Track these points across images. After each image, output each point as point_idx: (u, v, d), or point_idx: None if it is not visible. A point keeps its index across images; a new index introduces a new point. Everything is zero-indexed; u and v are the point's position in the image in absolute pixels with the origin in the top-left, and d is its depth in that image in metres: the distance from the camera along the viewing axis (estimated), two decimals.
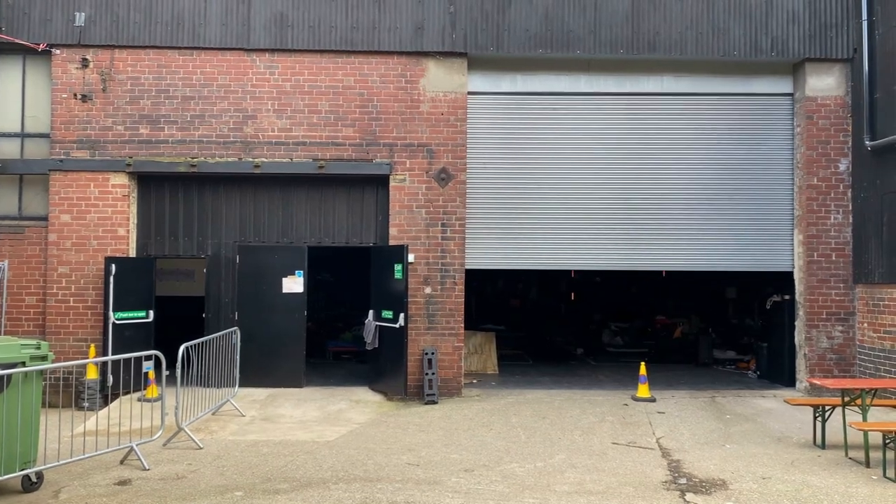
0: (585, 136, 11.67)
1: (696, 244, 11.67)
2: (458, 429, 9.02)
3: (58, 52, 11.04)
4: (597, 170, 11.65)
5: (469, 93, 11.44)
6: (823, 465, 7.44)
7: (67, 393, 10.25)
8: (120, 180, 11.06)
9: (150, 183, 11.41)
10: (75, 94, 11.02)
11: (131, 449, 7.40)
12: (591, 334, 18.01)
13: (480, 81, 11.57)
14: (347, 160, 11.23)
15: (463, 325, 11.25)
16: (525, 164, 11.62)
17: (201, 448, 7.99)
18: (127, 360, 9.03)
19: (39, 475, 6.60)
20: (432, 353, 10.84)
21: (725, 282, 16.50)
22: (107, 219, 11.01)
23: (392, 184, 11.23)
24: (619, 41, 11.34)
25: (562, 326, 18.73)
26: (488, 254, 11.55)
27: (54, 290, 10.88)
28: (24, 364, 6.48)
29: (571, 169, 11.63)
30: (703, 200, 11.69)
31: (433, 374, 10.73)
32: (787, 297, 11.87)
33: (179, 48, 11.18)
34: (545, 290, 20.43)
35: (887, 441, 7.13)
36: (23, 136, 11.32)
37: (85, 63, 11.05)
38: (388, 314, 11.08)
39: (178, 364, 7.95)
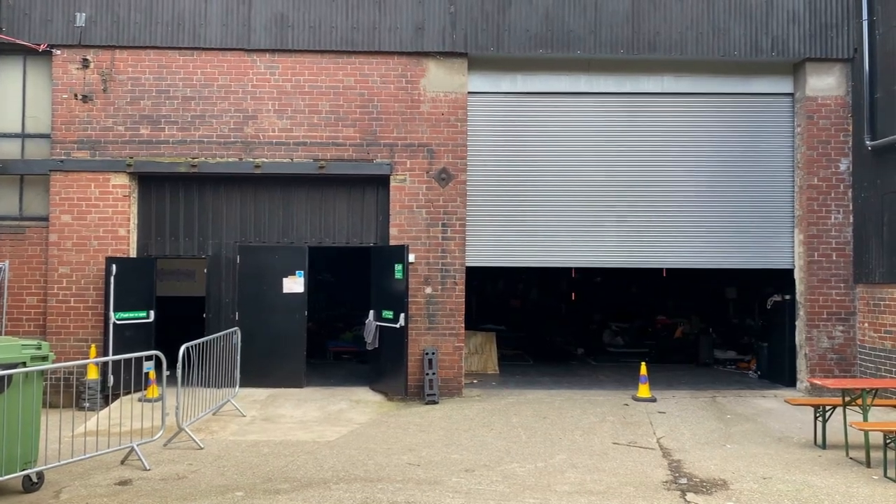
0: (586, 137, 11.67)
1: (697, 243, 11.68)
2: (459, 429, 9.02)
3: (58, 52, 11.05)
4: (597, 169, 11.65)
5: (469, 93, 11.44)
6: (824, 465, 7.44)
7: (68, 393, 10.26)
8: (120, 180, 11.07)
9: (151, 183, 11.41)
10: (76, 95, 11.02)
11: (132, 449, 7.41)
12: (591, 334, 18.00)
13: (481, 81, 11.57)
14: (348, 160, 11.23)
15: (463, 325, 11.25)
16: (525, 163, 11.62)
17: (202, 448, 7.99)
18: (128, 361, 9.03)
19: (40, 475, 6.60)
20: (433, 354, 10.84)
21: (726, 282, 16.49)
22: (107, 219, 11.01)
23: (392, 184, 11.23)
24: (620, 41, 11.34)
25: (562, 326, 18.72)
26: (489, 253, 11.55)
27: (55, 291, 10.89)
28: (24, 364, 6.48)
29: (572, 169, 11.64)
30: (704, 200, 11.69)
31: (434, 374, 10.73)
32: (787, 296, 11.87)
33: (180, 48, 11.18)
34: (546, 291, 20.41)
35: (888, 441, 7.13)
36: (23, 136, 11.33)
37: (85, 63, 11.06)
38: (388, 314, 11.08)
39: (179, 364, 7.95)
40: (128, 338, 10.60)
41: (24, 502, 6.27)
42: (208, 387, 9.11)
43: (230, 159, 11.17)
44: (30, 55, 11.17)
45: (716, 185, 11.71)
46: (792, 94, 11.82)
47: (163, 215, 11.44)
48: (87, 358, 10.53)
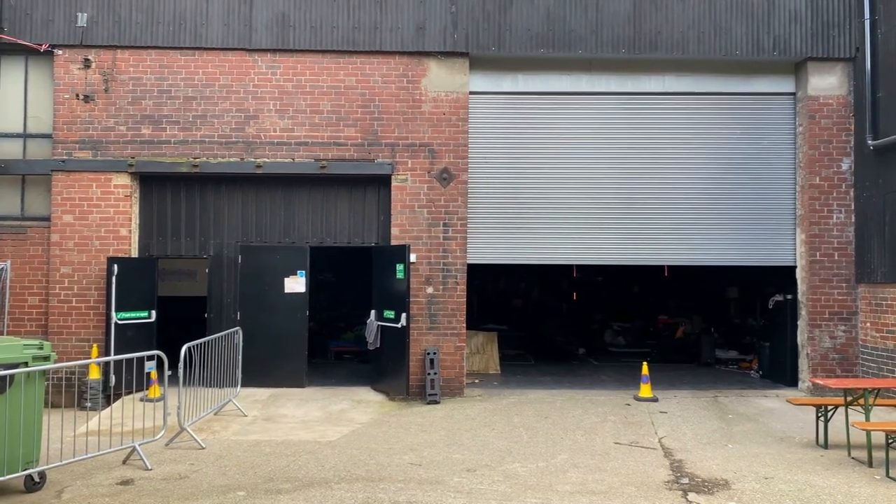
0: (587, 136, 11.66)
1: (698, 242, 11.67)
2: (461, 429, 9.02)
3: (60, 52, 11.05)
4: (599, 169, 11.64)
5: (471, 92, 11.44)
6: (826, 465, 7.43)
7: (70, 393, 10.28)
8: (122, 180, 11.07)
9: (153, 183, 11.42)
10: (77, 95, 11.03)
11: (134, 449, 7.41)
12: (592, 334, 17.99)
13: (482, 81, 11.57)
14: (349, 160, 11.23)
15: (465, 324, 11.25)
16: (527, 163, 11.62)
17: (203, 448, 7.99)
18: (129, 361, 9.05)
19: (42, 475, 6.61)
20: (434, 353, 10.84)
21: (727, 281, 16.48)
22: (109, 219, 11.02)
23: (394, 184, 11.23)
24: (621, 41, 11.34)
25: (564, 326, 18.72)
26: (491, 250, 11.55)
27: (57, 291, 10.90)
28: (26, 364, 6.49)
29: (573, 169, 11.63)
30: (706, 199, 11.68)
31: (435, 373, 10.73)
32: (789, 296, 11.86)
33: (181, 48, 11.19)
34: (547, 290, 20.42)
35: (890, 441, 7.12)
36: (25, 136, 11.34)
37: (87, 63, 11.07)
38: (389, 314, 11.08)
39: (181, 364, 7.96)
40: (129, 338, 10.60)
41: (26, 502, 6.28)
42: (210, 386, 9.11)
43: (232, 159, 11.17)
44: (31, 55, 11.18)
45: (717, 185, 11.70)
46: (794, 94, 11.81)
47: (164, 215, 11.45)
48: (89, 358, 10.54)
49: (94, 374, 10.49)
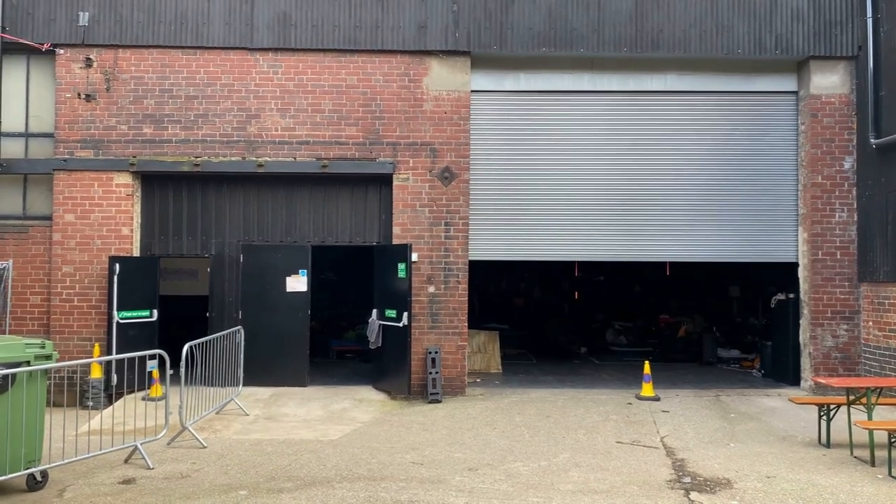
0: (589, 135, 11.65)
1: (700, 239, 11.65)
2: (462, 428, 9.02)
3: (61, 51, 11.06)
4: (601, 168, 11.63)
5: (472, 91, 11.43)
6: (828, 464, 7.42)
7: (72, 392, 10.28)
8: (124, 180, 11.08)
9: (154, 182, 11.43)
10: (79, 94, 11.04)
11: (135, 448, 7.41)
12: (594, 333, 17.99)
13: (484, 80, 11.56)
14: (351, 159, 11.23)
15: (466, 323, 11.25)
16: (529, 162, 11.61)
17: (205, 447, 8.00)
18: (131, 360, 9.04)
19: (44, 474, 6.61)
20: (436, 352, 10.83)
21: (729, 280, 16.47)
22: (111, 218, 11.03)
23: (395, 183, 11.23)
24: (623, 39, 11.32)
25: (565, 325, 18.72)
26: (492, 248, 11.54)
27: (58, 290, 10.91)
28: (28, 363, 6.49)
29: (575, 167, 11.62)
30: (708, 198, 11.66)
31: (437, 373, 10.72)
32: (791, 295, 11.84)
33: (183, 48, 11.19)
34: (548, 289, 20.42)
35: (892, 440, 7.10)
36: (27, 135, 11.35)
37: (88, 63, 11.07)
38: (391, 313, 11.08)
39: (182, 363, 7.96)
40: (131, 337, 10.61)
41: (28, 501, 6.28)
42: (212, 386, 9.11)
43: (233, 158, 11.17)
44: (33, 55, 11.19)
45: (719, 183, 11.68)
46: (796, 92, 11.79)
47: (166, 214, 11.45)
48: (91, 357, 10.55)
49: (96, 374, 10.50)
